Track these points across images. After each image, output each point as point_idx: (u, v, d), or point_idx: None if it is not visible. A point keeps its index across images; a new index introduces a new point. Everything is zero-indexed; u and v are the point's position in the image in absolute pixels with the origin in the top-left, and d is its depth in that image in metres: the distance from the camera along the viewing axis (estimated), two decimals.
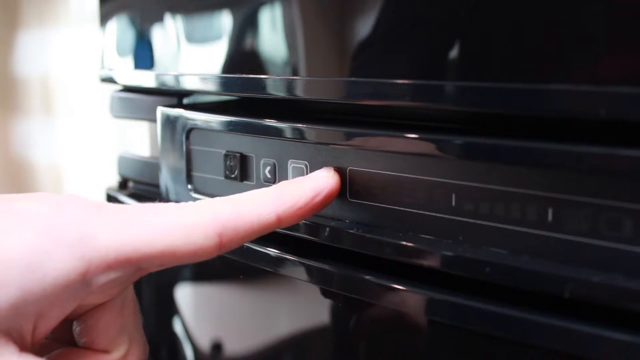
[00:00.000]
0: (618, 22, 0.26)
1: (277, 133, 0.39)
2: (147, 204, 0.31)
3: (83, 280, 0.29)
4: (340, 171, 0.36)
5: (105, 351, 0.32)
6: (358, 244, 0.36)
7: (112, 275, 0.29)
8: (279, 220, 0.33)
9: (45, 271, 0.28)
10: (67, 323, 0.32)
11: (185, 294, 0.53)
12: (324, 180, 0.35)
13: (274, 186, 0.34)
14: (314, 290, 0.40)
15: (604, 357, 0.27)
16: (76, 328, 0.32)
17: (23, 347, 0.29)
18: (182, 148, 0.46)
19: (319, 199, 0.34)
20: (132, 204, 0.32)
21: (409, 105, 0.33)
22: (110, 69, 0.56)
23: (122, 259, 0.29)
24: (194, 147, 0.45)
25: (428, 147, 0.32)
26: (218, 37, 0.44)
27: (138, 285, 0.57)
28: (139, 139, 0.58)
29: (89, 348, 0.32)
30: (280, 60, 0.40)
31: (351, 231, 0.36)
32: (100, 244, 0.29)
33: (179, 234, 0.30)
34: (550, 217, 0.29)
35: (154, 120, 0.49)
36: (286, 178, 0.39)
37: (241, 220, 0.31)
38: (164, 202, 0.32)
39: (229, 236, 0.31)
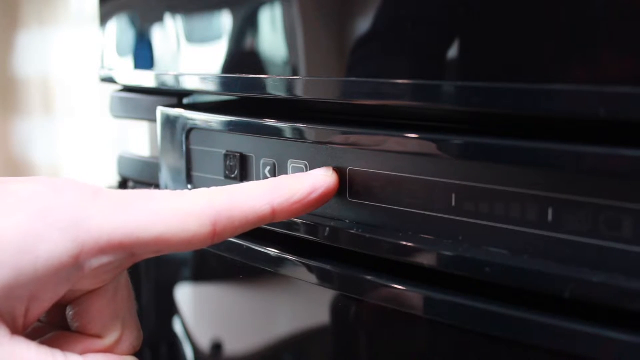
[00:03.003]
0: (618, 22, 0.26)
1: (277, 133, 0.39)
2: (143, 190, 0.31)
3: (75, 263, 0.29)
4: (340, 171, 0.36)
5: (98, 336, 0.32)
6: (358, 244, 0.36)
7: (104, 259, 0.29)
8: (274, 213, 0.32)
9: (38, 253, 0.28)
10: (61, 307, 0.32)
11: (185, 294, 0.53)
12: (322, 178, 0.34)
13: (271, 179, 0.34)
14: (314, 290, 0.40)
15: (604, 357, 0.27)
16: (69, 313, 0.32)
17: (15, 331, 0.29)
18: (182, 148, 0.46)
19: (315, 195, 0.34)
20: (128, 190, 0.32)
21: (409, 105, 0.33)
22: (110, 69, 0.56)
23: (115, 243, 0.29)
24: (194, 147, 0.45)
25: (428, 147, 0.32)
26: (218, 37, 0.44)
27: (138, 285, 0.57)
28: (139, 139, 0.58)
29: (82, 333, 0.32)
30: (280, 60, 0.40)
31: (351, 231, 0.36)
32: (94, 228, 0.29)
33: (173, 221, 0.30)
34: (550, 217, 0.29)
35: (154, 120, 0.49)
36: None
37: (236, 210, 0.31)
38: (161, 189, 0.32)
39: (223, 225, 0.31)
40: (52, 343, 0.31)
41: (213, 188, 0.32)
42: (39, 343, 0.30)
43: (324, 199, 0.34)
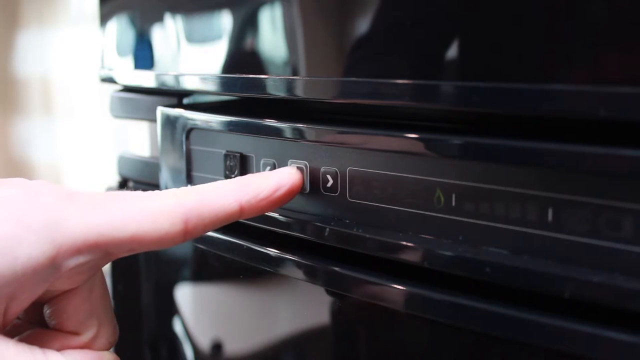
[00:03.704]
0: (618, 22, 0.26)
1: (277, 133, 0.39)
2: (116, 191, 0.32)
3: (52, 264, 0.30)
4: (340, 171, 0.36)
5: (75, 333, 0.33)
6: (358, 244, 0.36)
7: (80, 259, 0.30)
8: (242, 210, 0.34)
9: (16, 255, 0.29)
10: (39, 305, 0.33)
11: (185, 294, 0.53)
12: (287, 176, 0.36)
13: (239, 177, 0.35)
14: (314, 290, 0.40)
15: (604, 357, 0.27)
16: (47, 311, 0.33)
17: None
18: (182, 148, 0.46)
19: (280, 192, 0.35)
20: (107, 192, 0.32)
21: (409, 105, 0.33)
22: (110, 69, 0.56)
23: (91, 243, 0.30)
24: (194, 147, 0.45)
25: (428, 147, 0.32)
26: (218, 37, 0.44)
27: (138, 285, 0.57)
28: (139, 139, 0.58)
29: (60, 330, 0.33)
30: (280, 60, 0.40)
31: (351, 231, 0.36)
32: (69, 229, 0.30)
33: (146, 220, 0.31)
34: (550, 217, 0.29)
35: (154, 120, 0.49)
36: None
37: (205, 208, 0.32)
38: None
39: (193, 223, 0.32)
40: (30, 340, 0.32)
41: (183, 188, 0.34)
42: (17, 340, 0.31)
43: (289, 196, 0.36)
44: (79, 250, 0.30)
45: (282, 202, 0.35)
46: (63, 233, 0.30)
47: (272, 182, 0.35)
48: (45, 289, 0.31)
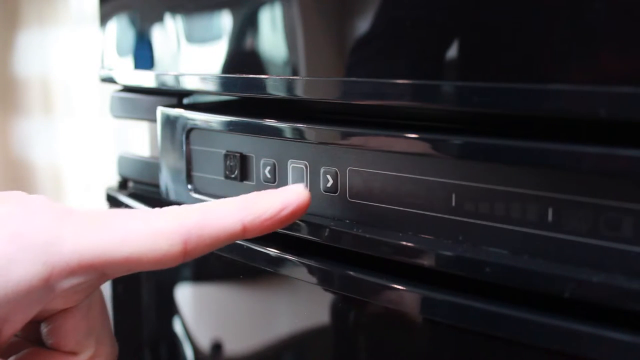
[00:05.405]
0: (618, 22, 0.26)
1: (277, 133, 0.39)
2: (114, 209, 0.32)
3: (46, 286, 0.29)
4: (340, 171, 0.36)
5: (73, 353, 0.32)
6: (358, 244, 0.36)
7: (75, 280, 0.30)
8: (245, 230, 0.32)
9: (8, 277, 0.28)
10: (36, 323, 0.33)
11: (185, 294, 0.53)
12: (294, 195, 0.34)
13: (242, 196, 0.34)
14: (314, 290, 0.40)
15: (604, 357, 0.27)
16: (43, 330, 0.32)
17: None
18: (182, 148, 0.46)
19: (285, 212, 0.33)
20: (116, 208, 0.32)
21: (409, 105, 0.33)
22: (110, 69, 0.56)
23: (86, 264, 0.29)
24: (194, 147, 0.45)
25: (428, 147, 0.32)
26: (218, 37, 0.44)
27: (138, 285, 0.57)
28: (139, 139, 0.58)
29: (57, 349, 0.32)
30: (280, 60, 0.40)
31: (351, 231, 0.36)
32: (65, 249, 0.29)
33: (144, 241, 0.30)
34: (550, 217, 0.29)
35: (154, 120, 0.49)
36: (286, 178, 0.39)
37: (207, 228, 0.31)
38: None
39: (194, 243, 0.31)
40: (27, 359, 0.32)
41: (184, 206, 0.32)
42: None
43: (295, 216, 0.34)
44: (73, 272, 0.29)
45: (287, 222, 0.33)
46: (57, 254, 0.29)
47: (277, 201, 0.33)
48: (40, 310, 0.30)
